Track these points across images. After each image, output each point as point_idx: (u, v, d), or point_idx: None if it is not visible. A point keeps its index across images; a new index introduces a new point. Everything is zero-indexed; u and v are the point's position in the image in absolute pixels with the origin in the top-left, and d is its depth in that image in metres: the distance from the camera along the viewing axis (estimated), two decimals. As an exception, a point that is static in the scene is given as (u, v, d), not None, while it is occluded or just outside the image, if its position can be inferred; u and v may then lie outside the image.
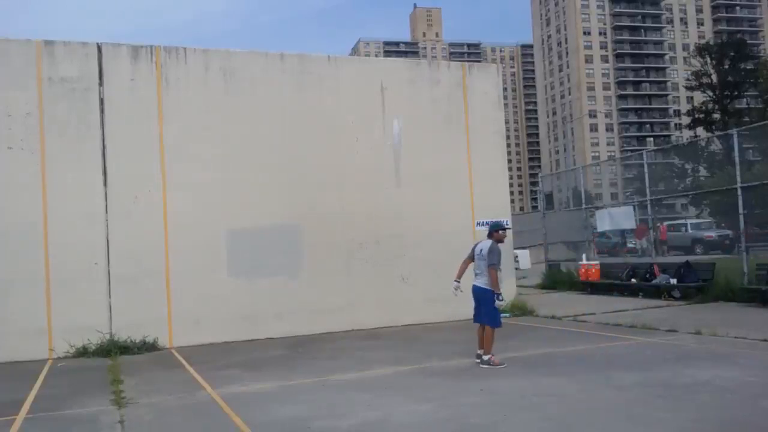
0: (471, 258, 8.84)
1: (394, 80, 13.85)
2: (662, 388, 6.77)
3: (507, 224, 8.97)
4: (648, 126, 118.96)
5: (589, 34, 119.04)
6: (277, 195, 12.67)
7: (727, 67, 68.62)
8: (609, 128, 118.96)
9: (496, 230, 8.73)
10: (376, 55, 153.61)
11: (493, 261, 8.42)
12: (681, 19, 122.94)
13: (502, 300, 8.51)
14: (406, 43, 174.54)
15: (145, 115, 11.92)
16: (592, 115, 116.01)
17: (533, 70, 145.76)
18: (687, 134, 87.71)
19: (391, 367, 8.83)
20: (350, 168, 13.26)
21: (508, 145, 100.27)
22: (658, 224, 23.50)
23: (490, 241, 8.61)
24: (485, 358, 8.37)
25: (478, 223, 14.24)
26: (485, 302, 8.48)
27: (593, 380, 7.28)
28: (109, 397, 7.56)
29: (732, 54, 69.14)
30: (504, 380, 7.61)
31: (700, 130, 68.88)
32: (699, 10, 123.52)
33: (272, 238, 12.55)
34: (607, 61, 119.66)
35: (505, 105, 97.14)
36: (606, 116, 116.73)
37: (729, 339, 9.59)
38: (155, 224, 11.79)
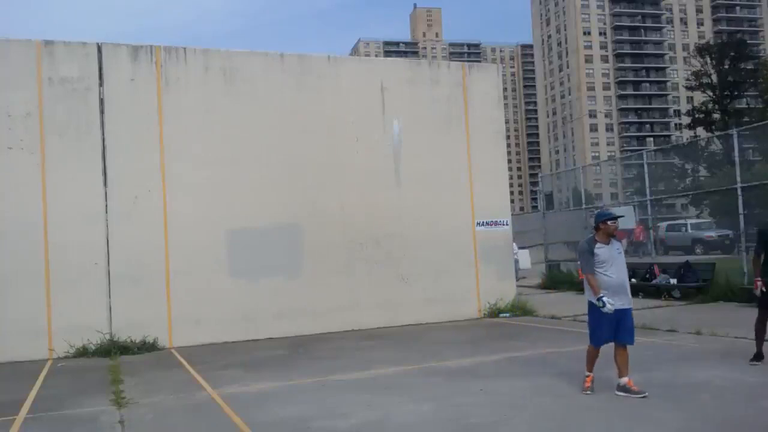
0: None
1: (394, 80, 13.84)
2: (662, 388, 6.76)
3: (610, 213, 6.95)
4: (648, 126, 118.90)
5: (589, 34, 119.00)
6: (277, 195, 12.67)
7: (727, 67, 68.64)
8: (609, 128, 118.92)
9: (599, 222, 6.86)
10: (376, 55, 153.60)
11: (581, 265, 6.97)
12: (681, 19, 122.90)
13: (603, 305, 6.59)
14: (406, 43, 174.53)
15: (145, 115, 11.92)
16: (592, 115, 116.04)
17: (533, 70, 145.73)
18: (687, 134, 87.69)
19: (391, 367, 8.82)
20: (350, 168, 13.25)
21: (508, 145, 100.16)
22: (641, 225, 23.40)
23: (584, 239, 7.13)
24: (585, 373, 6.87)
25: (478, 223, 14.25)
26: (588, 315, 7.02)
27: (593, 380, 7.26)
28: (109, 397, 7.55)
29: (732, 54, 69.15)
30: (504, 380, 7.61)
31: (700, 130, 68.91)
32: (699, 10, 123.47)
33: (272, 238, 12.55)
34: (607, 61, 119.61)
35: (505, 105, 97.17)
36: (606, 116, 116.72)
37: (729, 339, 9.59)
38: (155, 224, 11.79)
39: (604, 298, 6.60)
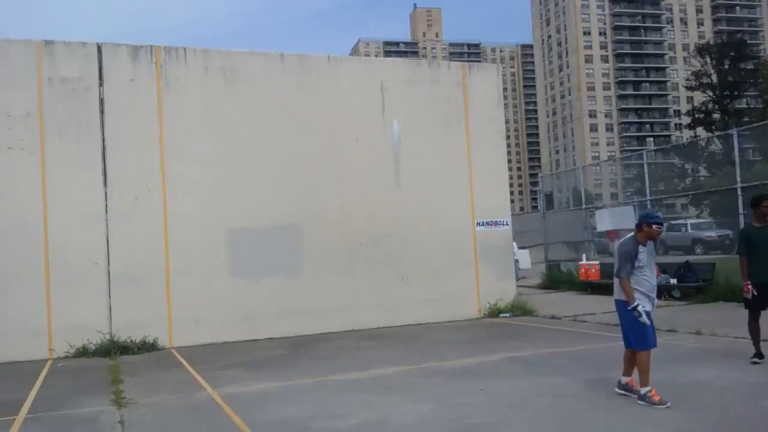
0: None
1: (394, 80, 13.84)
2: (662, 388, 6.75)
3: (657, 215, 6.47)
4: (648, 126, 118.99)
5: (589, 34, 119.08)
6: (277, 195, 12.67)
7: (727, 67, 68.75)
8: (609, 128, 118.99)
9: (642, 223, 6.42)
10: (376, 55, 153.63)
11: (616, 266, 6.49)
12: (681, 19, 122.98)
13: (639, 315, 6.21)
14: (406, 43, 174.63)
15: (145, 115, 11.92)
16: (592, 115, 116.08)
17: (533, 70, 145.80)
18: (687, 134, 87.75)
19: (391, 367, 8.82)
20: (350, 168, 13.25)
21: (508, 145, 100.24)
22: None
23: (626, 238, 6.58)
24: (642, 391, 6.23)
25: (478, 223, 14.25)
26: (623, 317, 6.53)
27: (593, 380, 7.27)
28: (109, 397, 7.55)
29: (732, 54, 69.27)
30: (504, 380, 7.61)
31: (700, 130, 68.99)
32: (699, 10, 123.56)
33: (272, 238, 12.55)
34: (607, 61, 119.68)
35: (505, 105, 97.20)
36: (606, 116, 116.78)
37: (729, 339, 9.59)
38: (155, 224, 11.79)
39: (640, 308, 6.23)
